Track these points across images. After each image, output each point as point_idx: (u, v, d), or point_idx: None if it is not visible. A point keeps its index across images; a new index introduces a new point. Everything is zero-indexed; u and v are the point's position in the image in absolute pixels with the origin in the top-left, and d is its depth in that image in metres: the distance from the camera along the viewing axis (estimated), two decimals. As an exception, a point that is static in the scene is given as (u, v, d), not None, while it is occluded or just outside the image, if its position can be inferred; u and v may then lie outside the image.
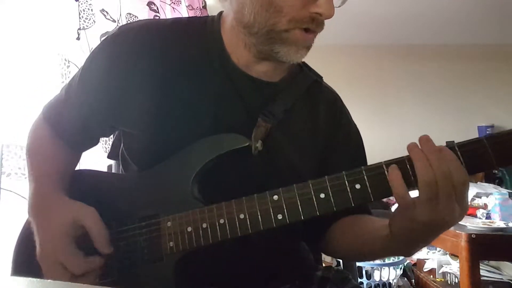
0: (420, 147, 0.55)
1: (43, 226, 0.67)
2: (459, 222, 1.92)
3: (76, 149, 0.82)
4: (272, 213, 0.60)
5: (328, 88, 0.85)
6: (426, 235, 0.57)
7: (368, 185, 0.57)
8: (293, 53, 0.67)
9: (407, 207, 0.54)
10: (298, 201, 0.59)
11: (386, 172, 0.56)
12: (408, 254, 0.64)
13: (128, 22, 1.67)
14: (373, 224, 0.70)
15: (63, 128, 0.78)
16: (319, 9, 0.63)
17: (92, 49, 0.77)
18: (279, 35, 0.65)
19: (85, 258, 0.64)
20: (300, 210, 0.59)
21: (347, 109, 0.85)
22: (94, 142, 0.83)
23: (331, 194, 0.58)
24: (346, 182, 0.58)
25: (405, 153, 0.57)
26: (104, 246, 0.65)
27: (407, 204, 0.54)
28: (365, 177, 0.57)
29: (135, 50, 0.71)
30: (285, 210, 0.60)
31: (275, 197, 0.60)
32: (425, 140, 0.55)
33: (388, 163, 0.57)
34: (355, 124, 0.85)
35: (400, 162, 0.56)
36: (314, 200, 0.59)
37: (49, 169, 0.74)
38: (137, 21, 0.79)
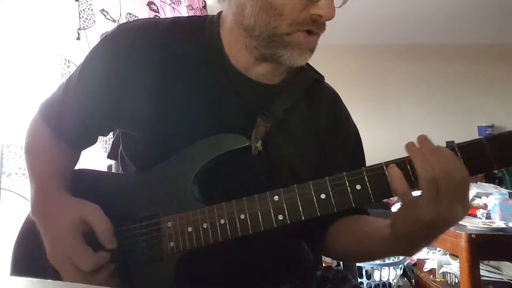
0: (418, 146, 0.55)
1: (49, 227, 0.68)
2: (459, 222, 1.93)
3: (75, 148, 0.82)
4: (272, 214, 0.60)
5: (328, 87, 0.84)
6: (427, 234, 0.57)
7: (368, 186, 0.57)
8: (297, 56, 0.66)
9: (409, 206, 0.55)
10: (299, 201, 0.59)
11: (386, 172, 0.56)
12: (410, 254, 0.64)
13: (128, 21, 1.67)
14: (372, 224, 0.70)
15: (62, 127, 0.78)
16: (320, 10, 0.62)
17: (93, 47, 0.77)
18: (281, 38, 0.65)
19: (93, 253, 0.64)
20: (301, 210, 0.59)
21: (346, 108, 0.85)
22: (92, 141, 0.83)
23: (331, 195, 0.59)
24: (347, 182, 0.58)
25: (405, 152, 0.57)
26: (108, 241, 0.65)
27: (409, 202, 0.54)
28: (366, 177, 0.57)
29: (134, 50, 0.71)
30: (285, 210, 0.60)
31: (276, 197, 0.60)
32: (423, 139, 0.56)
33: (389, 163, 0.57)
34: (354, 123, 0.85)
35: (400, 163, 0.56)
36: (315, 200, 0.59)
37: (49, 169, 0.74)
38: (136, 20, 0.79)
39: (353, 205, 0.58)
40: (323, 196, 0.59)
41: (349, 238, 0.73)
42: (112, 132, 0.99)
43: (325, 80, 0.84)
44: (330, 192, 0.59)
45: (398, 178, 0.55)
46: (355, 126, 0.85)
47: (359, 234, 0.71)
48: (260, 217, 0.61)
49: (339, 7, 0.67)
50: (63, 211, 0.67)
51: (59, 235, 0.65)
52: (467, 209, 0.54)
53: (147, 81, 0.70)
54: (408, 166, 0.56)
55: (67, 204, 0.68)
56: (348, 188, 0.58)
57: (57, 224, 0.66)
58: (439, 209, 0.52)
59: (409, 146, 0.56)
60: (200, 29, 0.74)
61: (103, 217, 0.66)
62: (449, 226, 0.55)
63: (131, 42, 0.71)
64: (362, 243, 0.70)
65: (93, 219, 0.66)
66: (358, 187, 0.58)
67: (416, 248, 0.62)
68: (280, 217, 0.60)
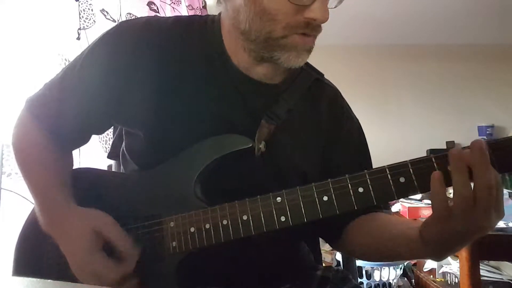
0: (470, 153, 0.50)
1: (65, 241, 0.66)
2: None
3: (70, 148, 0.81)
4: (275, 215, 0.60)
5: (329, 84, 0.84)
6: (460, 241, 0.55)
7: (371, 189, 0.57)
8: (294, 58, 0.66)
9: (442, 217, 0.52)
10: (301, 203, 0.60)
11: (388, 175, 0.56)
12: (439, 258, 0.62)
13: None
14: (398, 225, 0.68)
15: (60, 128, 0.76)
16: (313, 14, 0.62)
17: (91, 44, 0.75)
18: (277, 42, 0.65)
19: (117, 266, 0.62)
20: (303, 212, 0.59)
21: (348, 105, 0.85)
22: (87, 140, 0.82)
23: (334, 197, 0.59)
24: (349, 185, 0.58)
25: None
26: (130, 257, 0.64)
27: (442, 214, 0.52)
28: (368, 180, 0.57)
29: (136, 48, 0.71)
30: (288, 212, 0.60)
31: (278, 199, 0.61)
32: (479, 148, 0.49)
33: (391, 166, 0.57)
34: (357, 119, 0.85)
35: (402, 166, 0.56)
36: (317, 202, 0.59)
37: (55, 179, 0.71)
38: (139, 18, 0.79)
39: (356, 208, 0.58)
40: (325, 198, 0.59)
41: (372, 238, 0.71)
42: (112, 132, 0.99)
43: (325, 79, 0.84)
44: (333, 195, 0.59)
45: (439, 191, 0.51)
46: (358, 121, 0.85)
47: (384, 236, 0.68)
48: (262, 218, 0.61)
49: (335, 7, 0.66)
50: (75, 225, 0.65)
51: (79, 250, 0.63)
52: (502, 214, 0.51)
53: (149, 80, 0.70)
54: (410, 170, 0.55)
55: (78, 216, 0.66)
56: (351, 191, 0.58)
57: (74, 239, 0.64)
58: (473, 220, 0.51)
59: (454, 157, 0.50)
60: (202, 29, 0.74)
61: (118, 230, 0.65)
62: (483, 233, 0.52)
63: (133, 41, 0.71)
64: (387, 244, 0.68)
65: (110, 234, 0.64)
66: (360, 190, 0.58)
67: (447, 254, 0.59)
68: (283, 218, 0.60)
